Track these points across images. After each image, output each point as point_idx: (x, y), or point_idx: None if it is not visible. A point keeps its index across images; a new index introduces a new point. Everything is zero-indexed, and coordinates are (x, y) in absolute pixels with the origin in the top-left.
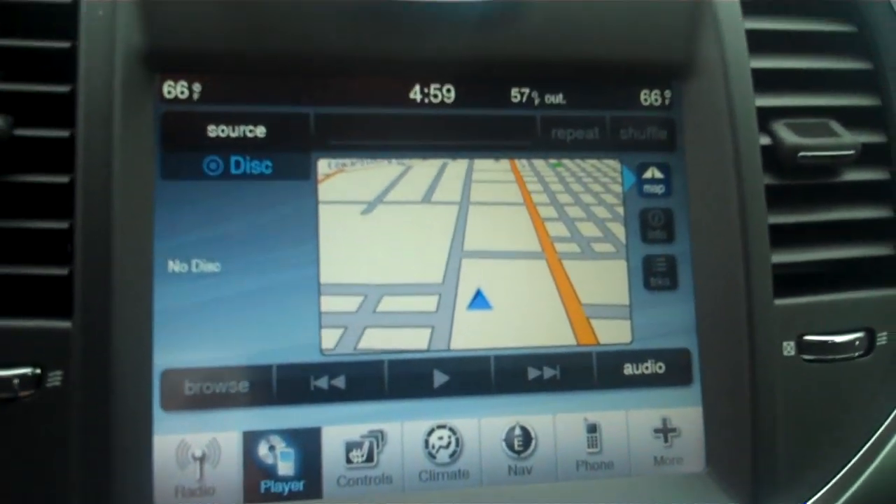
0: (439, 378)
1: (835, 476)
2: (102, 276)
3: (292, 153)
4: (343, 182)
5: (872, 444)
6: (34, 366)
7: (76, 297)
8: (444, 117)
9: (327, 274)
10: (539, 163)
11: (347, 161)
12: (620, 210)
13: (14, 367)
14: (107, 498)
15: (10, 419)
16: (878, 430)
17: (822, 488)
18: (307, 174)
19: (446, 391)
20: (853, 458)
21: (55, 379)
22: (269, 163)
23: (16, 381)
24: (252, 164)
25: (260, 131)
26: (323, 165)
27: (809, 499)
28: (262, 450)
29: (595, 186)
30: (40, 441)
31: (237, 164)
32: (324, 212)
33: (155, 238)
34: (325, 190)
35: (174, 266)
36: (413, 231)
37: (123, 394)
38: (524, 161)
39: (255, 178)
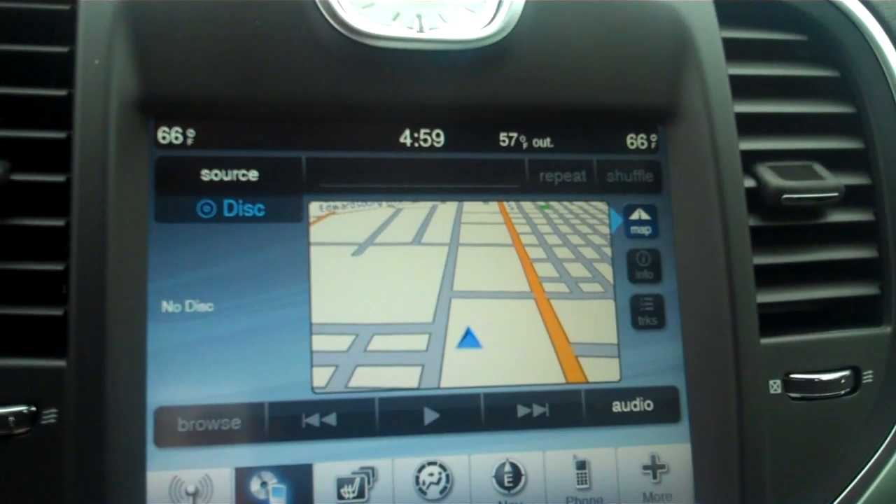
0: (430, 415)
1: None
2: (96, 316)
3: (284, 196)
4: (334, 224)
5: (859, 480)
6: (29, 404)
7: (71, 336)
8: (434, 161)
9: (319, 314)
10: (527, 205)
11: (339, 203)
12: (608, 251)
13: (9, 405)
14: None
15: (6, 456)
16: (865, 466)
17: None
18: (299, 217)
19: (436, 428)
20: (840, 494)
21: (49, 417)
22: (261, 206)
23: (11, 419)
24: (245, 207)
25: (253, 175)
26: (314, 208)
27: None
28: (255, 486)
29: (583, 228)
30: (35, 478)
31: (230, 207)
32: (315, 253)
33: (149, 279)
34: (316, 232)
35: (168, 306)
36: (403, 272)
37: (117, 431)
38: (513, 203)
39: (248, 221)
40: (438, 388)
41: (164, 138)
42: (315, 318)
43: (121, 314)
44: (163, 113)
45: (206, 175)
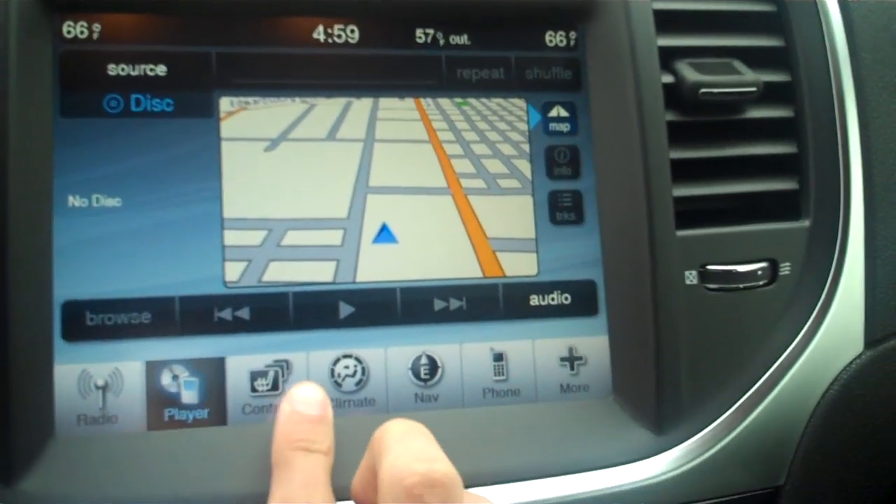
0: (345, 309)
1: (737, 402)
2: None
3: (194, 91)
4: (246, 120)
5: (775, 370)
6: None
7: None
8: (348, 56)
9: (230, 209)
10: (444, 101)
11: (250, 99)
12: (526, 147)
13: None
14: (6, 426)
15: None
16: (779, 358)
17: (724, 413)
18: (209, 112)
19: (352, 322)
20: (755, 385)
21: None
22: (170, 101)
23: None
24: (153, 102)
25: (161, 70)
26: (225, 103)
27: (712, 423)
28: (166, 379)
29: (501, 125)
30: None
31: (138, 102)
32: (226, 149)
33: (55, 174)
34: (227, 127)
35: (74, 201)
36: (317, 167)
37: (22, 323)
38: (429, 100)
39: (157, 116)
40: (354, 282)
41: (68, 32)
42: (227, 214)
43: (23, 207)
44: (67, 6)
45: (113, 70)
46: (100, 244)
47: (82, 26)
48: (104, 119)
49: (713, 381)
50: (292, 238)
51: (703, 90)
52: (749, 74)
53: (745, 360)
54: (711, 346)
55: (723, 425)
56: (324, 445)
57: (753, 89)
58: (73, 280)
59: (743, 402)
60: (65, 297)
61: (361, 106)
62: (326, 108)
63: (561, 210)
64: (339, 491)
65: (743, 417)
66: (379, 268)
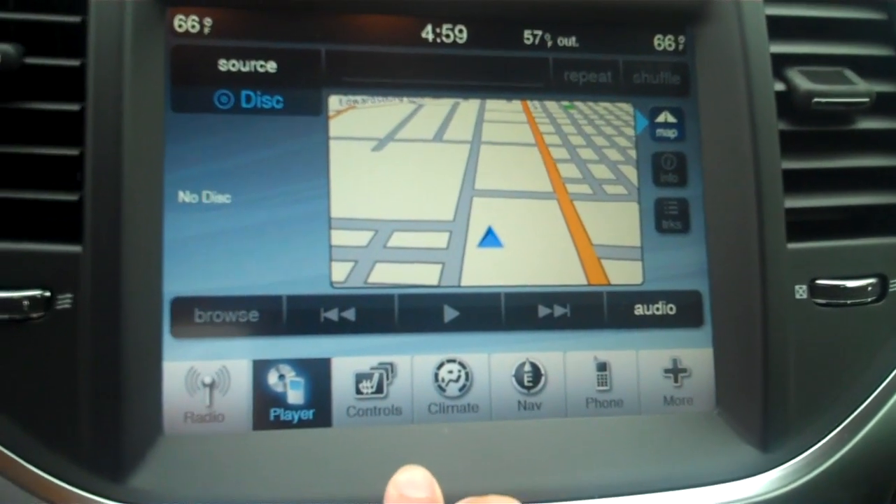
0: (449, 313)
1: (844, 420)
2: (112, 202)
3: (303, 89)
4: (354, 119)
5: (883, 389)
6: (44, 288)
7: (86, 221)
8: (456, 57)
9: (338, 208)
10: (551, 104)
11: (359, 98)
12: (633, 153)
13: (24, 289)
14: (116, 421)
15: (21, 340)
16: (888, 376)
17: (831, 432)
18: (318, 110)
19: (456, 326)
20: (863, 403)
21: (65, 301)
22: (280, 98)
23: (26, 303)
24: (263, 98)
25: (271, 66)
26: (334, 102)
27: (818, 442)
28: (272, 378)
29: (607, 129)
30: (50, 362)
31: (248, 99)
32: (334, 147)
33: (165, 168)
34: (336, 126)
35: (184, 196)
36: (424, 169)
37: (133, 319)
38: (536, 103)
39: (266, 113)
40: (459, 286)
41: (180, 26)
42: (334, 213)
43: (137, 201)
44: (179, 0)
45: (224, 65)
46: (209, 241)
47: (194, 21)
48: (215, 115)
49: (819, 399)
50: (398, 239)
51: (816, 100)
52: (861, 84)
53: (853, 378)
54: (818, 362)
55: (829, 444)
56: None
57: (866, 100)
58: (183, 276)
59: (850, 422)
60: (174, 294)
61: (468, 107)
62: (434, 108)
63: (667, 218)
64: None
65: (850, 437)
66: (484, 272)
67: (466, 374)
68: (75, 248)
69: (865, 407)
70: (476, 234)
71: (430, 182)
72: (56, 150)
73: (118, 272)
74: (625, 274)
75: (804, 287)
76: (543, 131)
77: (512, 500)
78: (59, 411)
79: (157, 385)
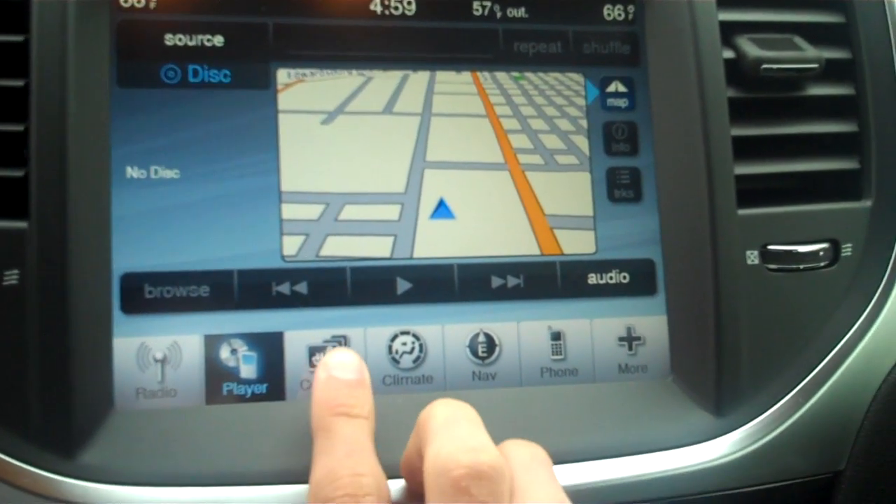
0: (402, 285)
1: (797, 385)
2: (58, 178)
3: (251, 63)
4: (303, 92)
5: (835, 353)
6: None
7: (32, 198)
8: (405, 29)
9: (288, 182)
10: (501, 75)
11: (307, 71)
12: (584, 123)
13: None
14: (65, 398)
15: None
16: (841, 340)
17: (784, 396)
18: (266, 84)
19: (409, 298)
20: (816, 367)
21: (11, 278)
22: (227, 72)
23: None
24: (210, 72)
25: (218, 40)
26: (282, 75)
27: (772, 406)
28: (224, 353)
29: (558, 99)
30: None
31: (195, 73)
32: (283, 121)
33: (112, 144)
34: (284, 99)
35: (132, 172)
36: (374, 141)
37: (81, 295)
38: (486, 74)
39: (214, 87)
40: (411, 258)
41: (125, 1)
42: (284, 187)
43: (83, 177)
44: None
45: (170, 39)
46: (158, 216)
47: None
48: (161, 89)
49: (773, 364)
50: (350, 212)
51: (765, 66)
52: (811, 51)
53: (806, 343)
54: (772, 327)
55: (783, 409)
56: (364, 409)
57: (815, 66)
58: (132, 252)
59: (803, 386)
60: (123, 270)
61: (418, 79)
62: (383, 81)
63: (619, 187)
64: (391, 468)
65: (804, 401)
66: (436, 244)
67: (420, 345)
68: (21, 224)
69: (819, 371)
70: (428, 205)
71: (380, 154)
72: (0, 125)
73: (65, 248)
74: (578, 243)
75: (756, 252)
76: (494, 102)
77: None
78: (7, 388)
79: (108, 361)
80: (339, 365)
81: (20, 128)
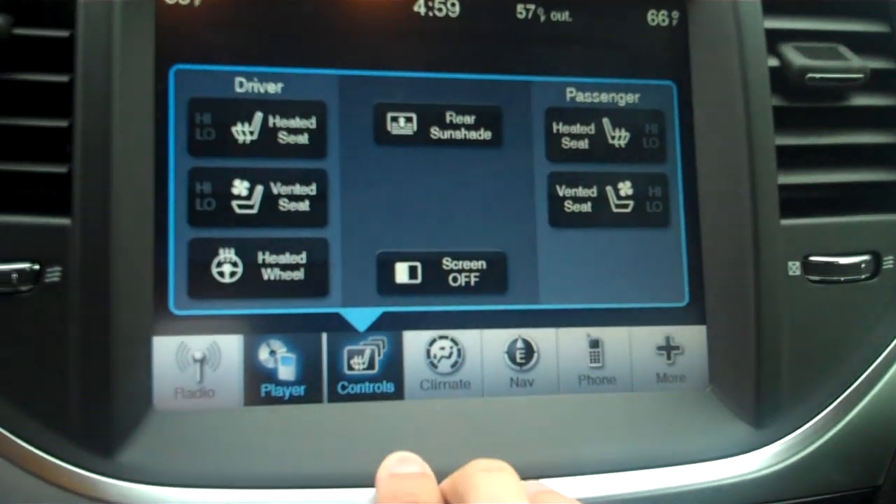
0: None
1: (838, 397)
2: (101, 174)
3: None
4: None
5: (876, 366)
6: (33, 261)
7: (75, 194)
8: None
9: None
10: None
11: None
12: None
13: (13, 262)
14: (106, 396)
15: (9, 313)
16: (882, 353)
17: (824, 409)
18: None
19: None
20: (856, 380)
21: (53, 275)
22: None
23: (14, 276)
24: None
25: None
26: None
27: (812, 419)
28: (263, 354)
29: None
30: (39, 336)
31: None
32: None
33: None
34: None
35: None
36: None
37: (123, 293)
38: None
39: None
40: None
41: None
42: None
43: (128, 174)
44: None
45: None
46: None
47: None
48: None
49: (813, 376)
50: None
51: (810, 75)
52: (855, 60)
53: (846, 355)
54: (812, 339)
55: (823, 422)
56: (432, 498)
57: (860, 76)
58: None
59: (844, 399)
60: None
61: None
62: None
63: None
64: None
65: (843, 414)
66: None
67: (458, 350)
68: (64, 221)
69: (859, 384)
70: None
71: None
72: (45, 121)
73: (108, 246)
74: None
75: (797, 263)
76: None
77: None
78: (48, 386)
79: (148, 360)
80: (400, 461)
81: (64, 123)
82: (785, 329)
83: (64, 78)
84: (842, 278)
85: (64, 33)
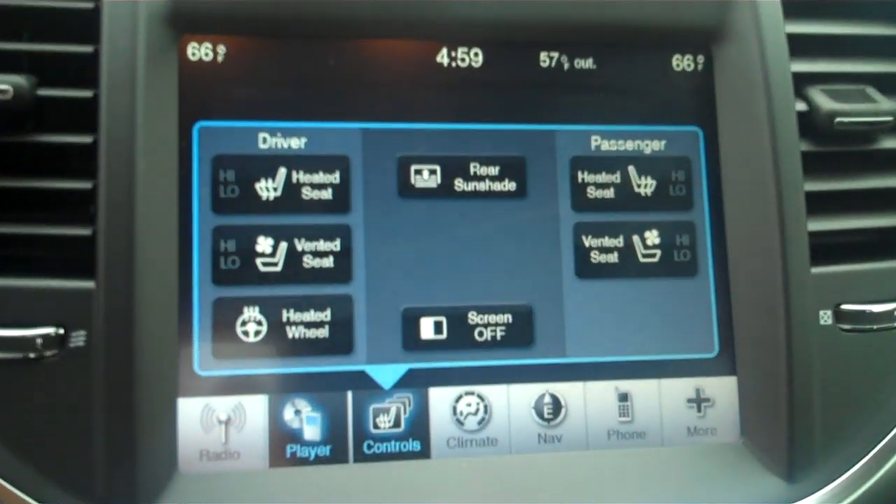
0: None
1: (872, 449)
2: (125, 236)
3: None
4: None
5: None
6: (57, 325)
7: (99, 257)
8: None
9: None
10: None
11: None
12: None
13: (37, 327)
14: (131, 459)
15: (34, 379)
16: None
17: (859, 461)
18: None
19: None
20: (891, 431)
21: (78, 339)
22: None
23: (38, 341)
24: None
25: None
26: None
27: (846, 472)
28: (288, 414)
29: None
30: (64, 401)
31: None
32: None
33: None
34: None
35: None
36: None
37: (147, 356)
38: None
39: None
40: None
41: (193, 54)
42: None
43: (152, 234)
44: (192, 27)
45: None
46: None
47: (207, 48)
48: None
49: (847, 427)
50: None
51: (839, 119)
52: (885, 103)
53: (880, 406)
54: (845, 390)
55: (858, 474)
56: None
57: (890, 119)
58: None
59: (879, 450)
60: None
61: None
62: None
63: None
64: None
65: (878, 467)
66: None
67: (485, 406)
68: (88, 284)
69: (894, 436)
70: None
71: None
72: (68, 183)
73: (132, 308)
74: None
75: (829, 312)
76: None
77: None
78: (72, 451)
79: (173, 422)
80: None
81: (88, 185)
82: (816, 379)
83: (88, 139)
84: (874, 326)
85: (88, 93)
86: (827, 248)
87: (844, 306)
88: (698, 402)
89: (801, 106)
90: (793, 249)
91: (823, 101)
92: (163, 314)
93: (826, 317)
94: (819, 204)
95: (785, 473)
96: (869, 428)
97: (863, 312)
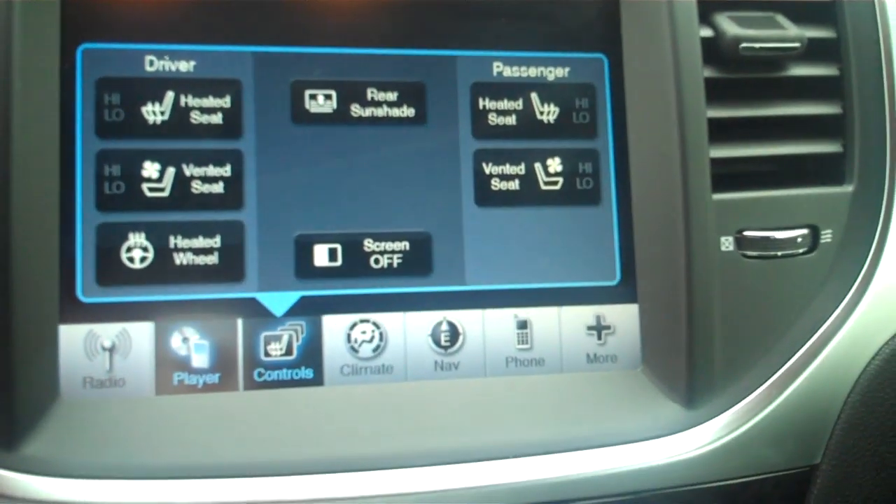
0: None
1: (771, 376)
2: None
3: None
4: None
5: (812, 344)
6: None
7: None
8: None
9: None
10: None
11: None
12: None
13: None
14: (8, 385)
15: None
16: (818, 330)
17: (758, 387)
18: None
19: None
20: (791, 358)
21: None
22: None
23: None
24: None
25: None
26: None
27: (745, 398)
28: (176, 342)
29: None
30: None
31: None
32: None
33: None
34: None
35: None
36: None
37: (26, 282)
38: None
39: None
40: None
41: None
42: None
43: (30, 157)
44: None
45: None
46: None
47: None
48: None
49: (747, 354)
50: None
51: (744, 45)
52: (793, 29)
53: (782, 332)
54: (746, 316)
55: (757, 400)
56: None
57: (797, 45)
58: None
59: (779, 377)
60: None
61: None
62: None
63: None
64: (344, 461)
65: (778, 392)
66: None
67: (380, 334)
68: None
69: (794, 362)
70: None
71: None
72: None
73: (8, 231)
74: None
75: (730, 239)
76: None
77: None
78: None
79: (54, 349)
80: None
81: None
82: (717, 306)
83: None
84: (778, 253)
85: None
86: (732, 177)
87: (747, 233)
88: (599, 329)
89: (706, 32)
90: (693, 175)
91: (729, 26)
92: (42, 240)
93: (727, 243)
94: (723, 131)
95: (684, 400)
96: (771, 354)
97: (766, 239)
